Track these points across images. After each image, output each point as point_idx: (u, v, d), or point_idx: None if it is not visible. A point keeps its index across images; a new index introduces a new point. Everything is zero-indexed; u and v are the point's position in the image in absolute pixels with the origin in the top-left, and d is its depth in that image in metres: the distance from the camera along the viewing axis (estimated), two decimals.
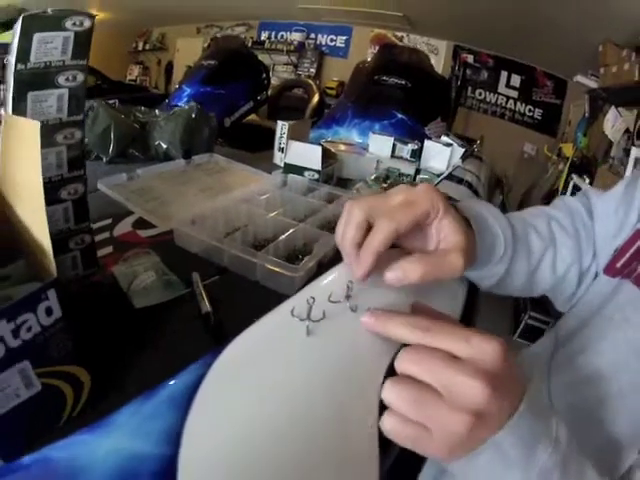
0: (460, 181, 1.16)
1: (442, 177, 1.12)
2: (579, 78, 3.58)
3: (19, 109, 0.57)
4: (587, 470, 0.35)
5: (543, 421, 0.33)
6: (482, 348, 0.28)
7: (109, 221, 0.72)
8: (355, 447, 0.28)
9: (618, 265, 0.54)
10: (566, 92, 4.88)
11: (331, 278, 0.38)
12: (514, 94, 5.34)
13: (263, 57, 5.82)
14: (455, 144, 1.54)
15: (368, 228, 0.36)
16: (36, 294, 0.31)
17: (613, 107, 2.80)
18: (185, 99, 1.86)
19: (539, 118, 5.29)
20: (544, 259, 0.57)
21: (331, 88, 5.21)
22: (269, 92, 2.42)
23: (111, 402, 0.26)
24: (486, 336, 0.29)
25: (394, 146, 1.43)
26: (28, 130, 0.34)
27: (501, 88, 5.37)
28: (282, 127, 1.21)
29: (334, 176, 1.10)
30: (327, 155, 1.05)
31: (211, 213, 0.70)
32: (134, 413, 0.24)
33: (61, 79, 0.62)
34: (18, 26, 0.59)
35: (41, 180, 0.32)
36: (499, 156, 4.91)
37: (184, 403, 0.23)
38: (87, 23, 0.61)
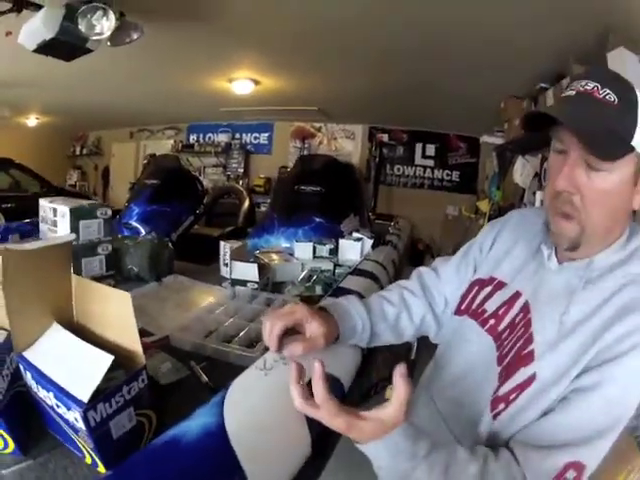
0: (361, 273, 1.63)
1: (346, 274, 1.59)
2: (485, 138, 3.89)
3: (77, 269, 0.98)
4: (457, 454, 0.66)
5: (409, 444, 0.63)
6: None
7: None
8: (293, 413, 0.69)
9: (462, 307, 0.96)
10: (480, 149, 5.37)
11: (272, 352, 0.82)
12: (430, 163, 5.84)
13: (193, 160, 6.36)
14: (365, 237, 2.03)
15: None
16: (139, 372, 0.69)
17: (520, 156, 3.11)
18: (135, 217, 2.23)
19: (457, 180, 5.78)
20: (401, 317, 1.01)
21: (259, 186, 5.74)
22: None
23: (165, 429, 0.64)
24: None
25: (314, 248, 1.89)
26: (121, 297, 0.74)
27: (418, 160, 5.89)
28: (224, 247, 1.60)
29: (269, 282, 1.54)
30: (262, 268, 1.49)
31: (190, 322, 1.10)
32: (204, 408, 0.64)
33: (99, 249, 1.06)
34: (67, 215, 1.02)
35: (134, 321, 0.72)
36: (425, 223, 5.43)
37: (221, 402, 0.64)
38: (109, 212, 1.06)
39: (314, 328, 0.84)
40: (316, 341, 0.84)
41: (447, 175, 5.91)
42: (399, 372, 0.63)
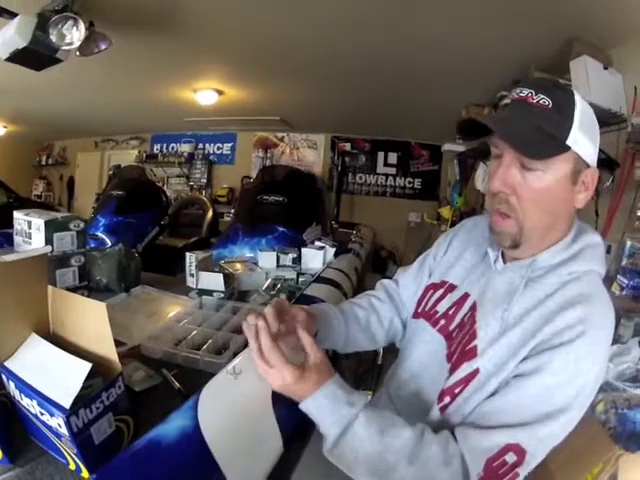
0: (324, 281, 1.71)
1: (310, 282, 1.67)
2: (447, 146, 3.89)
3: (51, 280, 1.01)
4: (394, 418, 0.73)
5: (345, 393, 0.72)
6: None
7: None
8: (263, 414, 0.76)
9: (419, 311, 1.01)
10: (442, 157, 5.48)
11: (241, 357, 0.88)
12: (392, 171, 5.89)
13: (157, 170, 6.30)
14: (327, 246, 2.10)
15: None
16: (115, 379, 0.74)
17: (482, 163, 3.15)
18: (101, 229, 2.24)
19: (419, 187, 5.84)
20: (371, 321, 1.08)
21: (222, 196, 5.74)
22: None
23: (142, 434, 0.69)
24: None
25: (278, 258, 1.93)
26: (97, 307, 0.79)
27: (380, 168, 5.92)
28: (190, 258, 1.62)
29: (235, 291, 1.59)
30: (227, 277, 1.54)
31: (160, 332, 1.15)
32: (179, 412, 0.70)
33: (72, 261, 1.09)
34: (42, 227, 1.04)
35: (110, 330, 0.76)
36: (388, 231, 5.52)
37: (195, 406, 0.70)
38: (81, 225, 1.09)
39: (296, 311, 0.89)
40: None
41: (409, 183, 5.99)
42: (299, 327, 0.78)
